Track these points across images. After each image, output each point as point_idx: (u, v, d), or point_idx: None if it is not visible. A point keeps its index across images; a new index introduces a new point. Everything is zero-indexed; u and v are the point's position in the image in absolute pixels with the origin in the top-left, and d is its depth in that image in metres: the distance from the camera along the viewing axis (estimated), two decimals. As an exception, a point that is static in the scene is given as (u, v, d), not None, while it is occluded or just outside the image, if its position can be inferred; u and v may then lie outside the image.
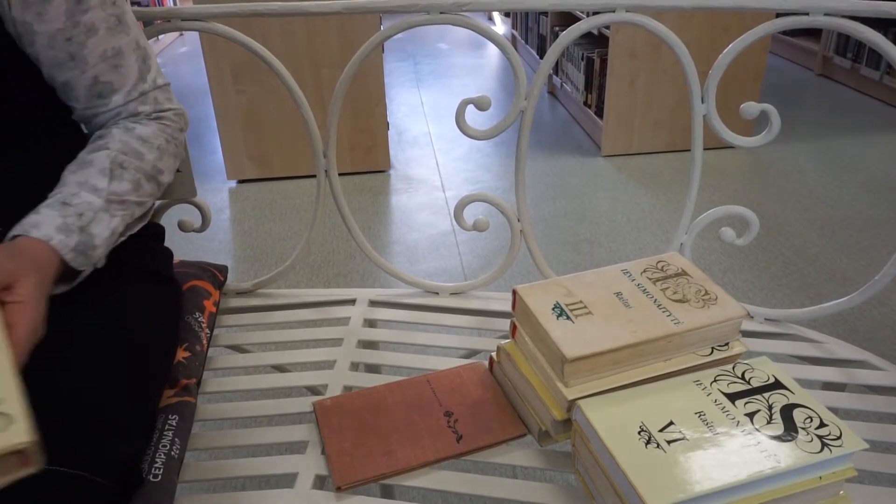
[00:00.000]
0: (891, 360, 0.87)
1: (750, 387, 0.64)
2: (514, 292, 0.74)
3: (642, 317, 0.69)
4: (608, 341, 0.66)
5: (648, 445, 0.58)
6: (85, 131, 0.76)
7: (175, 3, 5.03)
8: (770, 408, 0.62)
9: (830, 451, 0.58)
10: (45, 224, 0.61)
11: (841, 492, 0.61)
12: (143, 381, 0.69)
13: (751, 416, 0.61)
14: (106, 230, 0.66)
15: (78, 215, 0.64)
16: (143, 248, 0.79)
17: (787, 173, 2.49)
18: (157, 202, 0.99)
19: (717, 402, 0.63)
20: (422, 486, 0.68)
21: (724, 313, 0.70)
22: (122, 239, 0.71)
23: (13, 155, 0.69)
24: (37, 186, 0.69)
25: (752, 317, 0.95)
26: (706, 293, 0.73)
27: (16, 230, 0.61)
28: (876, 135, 2.82)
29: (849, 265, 1.90)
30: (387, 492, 0.95)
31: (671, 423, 0.60)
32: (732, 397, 0.63)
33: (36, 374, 0.60)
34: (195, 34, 4.72)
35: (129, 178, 0.69)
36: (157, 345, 0.75)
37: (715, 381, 0.65)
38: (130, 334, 0.70)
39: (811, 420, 0.61)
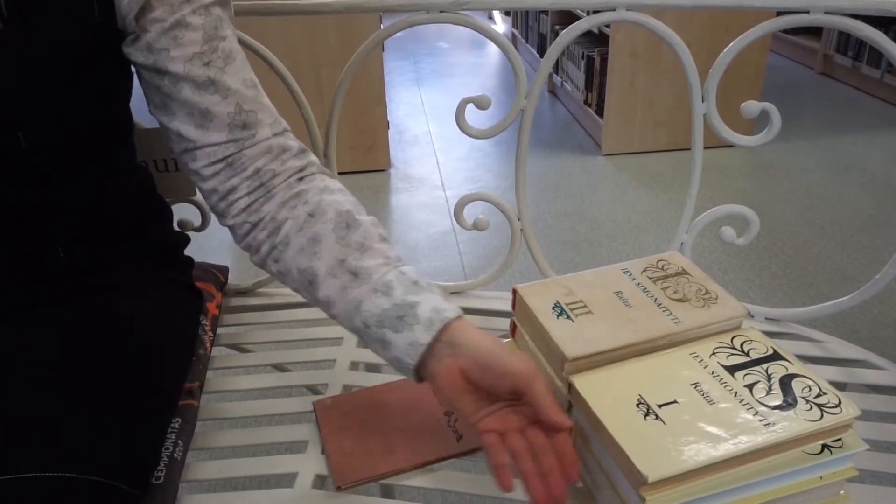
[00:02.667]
0: (891, 360, 0.87)
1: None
2: (515, 291, 0.74)
3: (643, 316, 0.69)
4: (608, 341, 0.66)
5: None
6: (201, 178, 0.66)
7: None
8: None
9: (831, 452, 0.58)
10: (442, 304, 0.61)
11: (841, 491, 0.61)
12: (161, 387, 0.70)
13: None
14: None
15: (429, 285, 0.63)
16: (166, 258, 0.80)
17: (787, 172, 2.49)
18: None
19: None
20: (422, 485, 0.68)
21: (725, 313, 0.69)
22: None
23: (80, 171, 0.68)
24: (96, 206, 0.69)
25: (752, 316, 0.95)
26: (706, 292, 0.72)
27: (434, 325, 0.59)
28: (877, 134, 2.81)
29: (849, 264, 1.90)
30: (387, 491, 0.95)
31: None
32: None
33: (57, 383, 0.61)
34: (195, 33, 4.71)
35: (387, 234, 0.67)
36: (176, 351, 0.77)
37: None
38: (149, 341, 0.71)
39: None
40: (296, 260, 0.64)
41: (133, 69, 0.66)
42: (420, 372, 0.62)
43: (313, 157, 0.69)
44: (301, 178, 0.67)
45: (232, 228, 0.68)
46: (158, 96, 0.64)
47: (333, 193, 0.66)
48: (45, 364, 0.62)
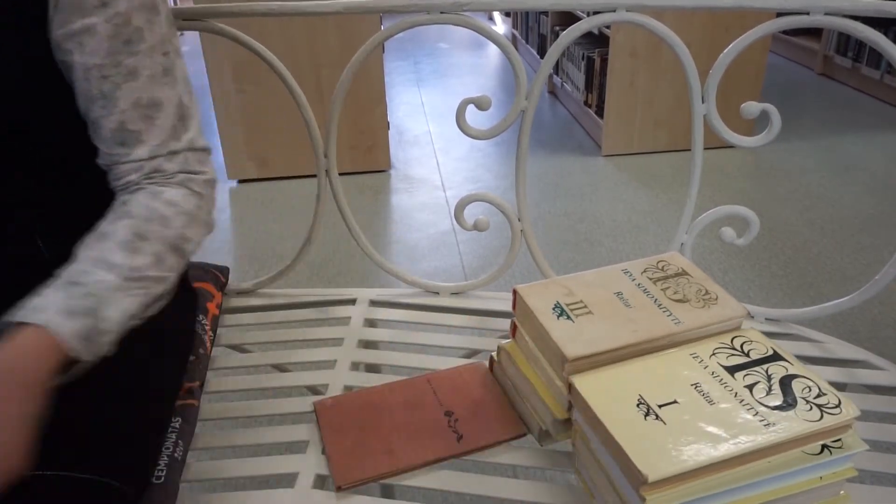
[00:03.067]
0: (891, 360, 0.87)
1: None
2: (515, 292, 0.74)
3: (643, 316, 0.69)
4: (609, 341, 0.66)
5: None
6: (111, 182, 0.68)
7: (175, 3, 5.03)
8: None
9: (831, 452, 0.58)
10: (49, 307, 0.54)
11: (841, 492, 0.61)
12: (158, 386, 0.70)
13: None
14: (119, 312, 0.58)
15: (86, 295, 0.56)
16: None
17: (787, 173, 2.49)
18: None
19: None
20: (422, 485, 0.68)
21: (725, 313, 0.70)
22: (137, 321, 0.62)
23: (38, 177, 0.66)
24: (89, 205, 0.68)
25: (752, 316, 0.95)
26: (706, 293, 0.73)
27: (16, 315, 0.54)
28: (876, 134, 2.81)
29: (849, 265, 1.90)
30: (387, 491, 0.95)
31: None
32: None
33: (79, 393, 0.60)
34: (196, 34, 4.72)
35: (151, 251, 0.61)
36: (172, 350, 0.76)
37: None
38: (144, 341, 0.70)
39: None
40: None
41: None
42: None
43: (185, 177, 0.67)
44: (155, 182, 0.66)
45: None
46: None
47: (153, 200, 0.64)
48: None
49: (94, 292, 0.57)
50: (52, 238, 0.67)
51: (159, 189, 0.65)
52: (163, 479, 0.66)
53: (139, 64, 0.63)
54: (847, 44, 3.38)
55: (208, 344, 0.86)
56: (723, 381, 0.61)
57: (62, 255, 0.68)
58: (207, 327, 0.88)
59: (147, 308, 0.64)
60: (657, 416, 0.58)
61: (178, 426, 0.73)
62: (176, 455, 0.69)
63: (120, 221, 0.62)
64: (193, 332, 0.85)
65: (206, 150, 0.70)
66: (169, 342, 0.75)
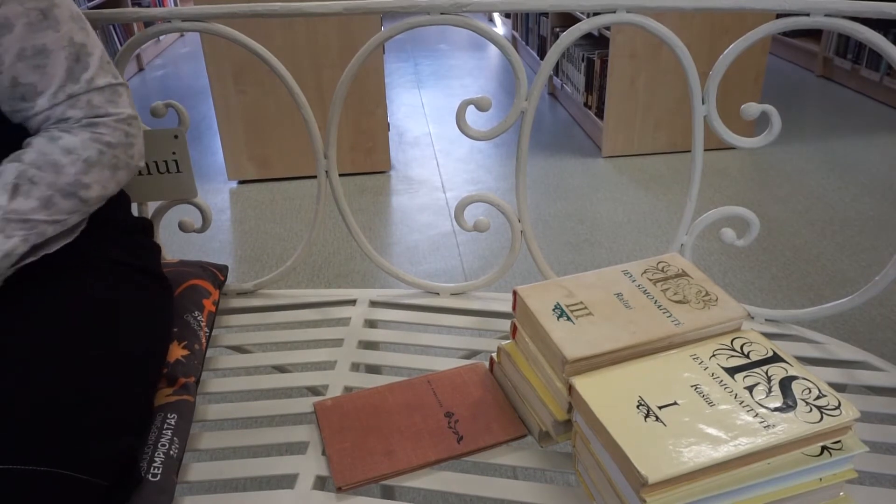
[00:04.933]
0: (891, 361, 0.87)
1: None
2: (515, 293, 0.74)
3: (642, 318, 0.69)
4: (609, 342, 0.66)
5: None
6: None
7: (176, 4, 5.03)
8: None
9: (831, 454, 0.58)
10: None
11: (841, 493, 0.61)
12: (130, 379, 0.68)
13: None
14: None
15: None
16: (129, 243, 0.79)
17: (787, 174, 2.49)
18: (157, 202, 0.99)
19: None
20: (422, 486, 0.68)
21: (725, 314, 0.70)
22: (31, 259, 0.64)
23: None
24: None
25: (752, 317, 0.95)
26: (706, 294, 0.73)
27: None
28: (876, 136, 2.81)
29: (849, 266, 1.90)
30: (387, 492, 0.95)
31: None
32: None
33: (20, 374, 0.59)
34: (196, 34, 4.73)
35: (38, 195, 0.62)
36: (146, 341, 0.74)
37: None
38: (115, 331, 0.69)
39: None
40: None
41: None
42: None
43: (90, 121, 0.67)
44: (58, 127, 0.66)
45: None
46: None
47: (49, 144, 0.65)
48: None
49: None
50: None
51: (58, 135, 0.65)
52: (159, 477, 0.66)
53: (9, 13, 0.62)
54: (847, 46, 3.38)
55: (203, 340, 0.86)
56: (723, 383, 0.61)
57: None
58: (203, 323, 0.88)
59: (39, 249, 0.64)
60: (657, 418, 0.58)
61: (173, 423, 0.72)
62: (171, 453, 0.69)
63: (10, 164, 0.63)
64: (168, 315, 0.82)
65: (112, 87, 0.68)
66: (128, 328, 0.72)
